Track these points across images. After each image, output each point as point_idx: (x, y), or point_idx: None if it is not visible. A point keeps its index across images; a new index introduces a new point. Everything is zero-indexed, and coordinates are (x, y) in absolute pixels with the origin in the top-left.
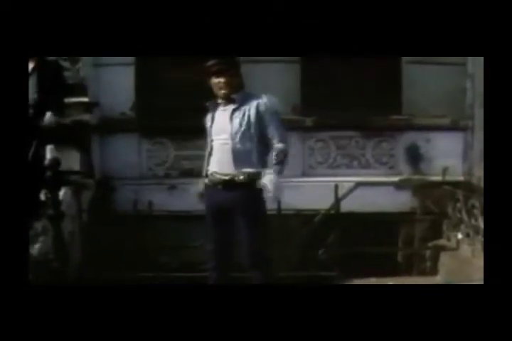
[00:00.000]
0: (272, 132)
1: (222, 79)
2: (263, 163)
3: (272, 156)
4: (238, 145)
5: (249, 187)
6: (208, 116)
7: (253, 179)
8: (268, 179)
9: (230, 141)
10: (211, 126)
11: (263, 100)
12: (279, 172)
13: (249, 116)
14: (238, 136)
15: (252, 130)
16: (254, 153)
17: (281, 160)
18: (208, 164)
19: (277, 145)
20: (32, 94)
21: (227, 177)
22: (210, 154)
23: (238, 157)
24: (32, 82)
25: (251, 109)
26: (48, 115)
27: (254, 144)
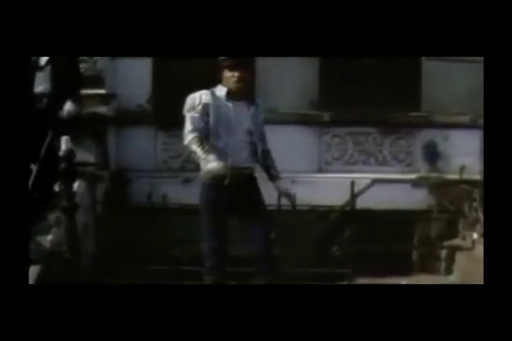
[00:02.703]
0: (265, 140)
1: (236, 73)
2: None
3: (269, 158)
4: (259, 144)
5: (255, 182)
6: (221, 103)
7: (252, 173)
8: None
9: (254, 138)
10: (216, 117)
11: (261, 108)
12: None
13: (261, 120)
14: (257, 135)
15: (261, 132)
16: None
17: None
18: (220, 156)
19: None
20: (45, 86)
21: (244, 172)
22: (212, 147)
23: (259, 156)
24: (46, 75)
25: (260, 113)
26: (68, 104)
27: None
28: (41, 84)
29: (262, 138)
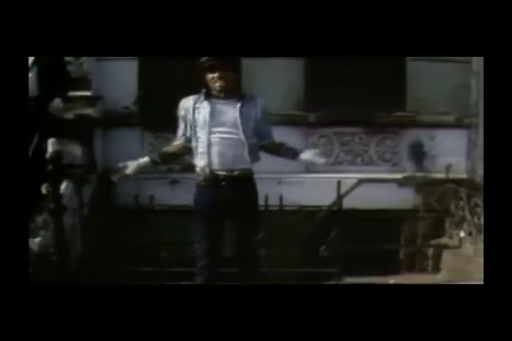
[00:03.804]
0: (269, 133)
1: (216, 74)
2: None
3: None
4: (250, 141)
5: (250, 183)
6: (201, 105)
7: (251, 175)
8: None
9: (241, 136)
10: (193, 119)
11: (263, 101)
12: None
13: (256, 114)
14: (249, 132)
15: (257, 128)
16: (256, 150)
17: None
18: (205, 158)
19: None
20: (32, 88)
21: (235, 173)
22: (208, 147)
23: (251, 152)
24: (32, 76)
25: (257, 108)
26: (57, 101)
27: (256, 141)
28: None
29: (261, 133)
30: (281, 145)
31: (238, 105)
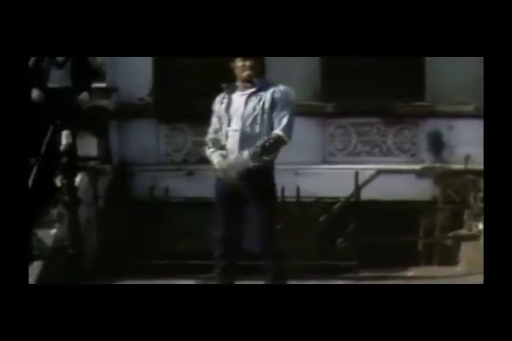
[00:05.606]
0: (279, 120)
1: (248, 62)
2: None
3: (267, 140)
4: (247, 129)
5: (264, 174)
6: (223, 100)
7: (267, 166)
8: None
9: (240, 125)
10: (227, 111)
11: (279, 88)
12: (254, 156)
13: (264, 102)
14: (249, 120)
15: (265, 116)
16: (261, 138)
17: (269, 145)
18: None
19: (276, 131)
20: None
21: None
22: (225, 140)
23: (244, 141)
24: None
25: (267, 94)
26: (84, 94)
27: (264, 130)
28: (56, 81)
29: (273, 124)
30: (265, 143)
31: (247, 94)
